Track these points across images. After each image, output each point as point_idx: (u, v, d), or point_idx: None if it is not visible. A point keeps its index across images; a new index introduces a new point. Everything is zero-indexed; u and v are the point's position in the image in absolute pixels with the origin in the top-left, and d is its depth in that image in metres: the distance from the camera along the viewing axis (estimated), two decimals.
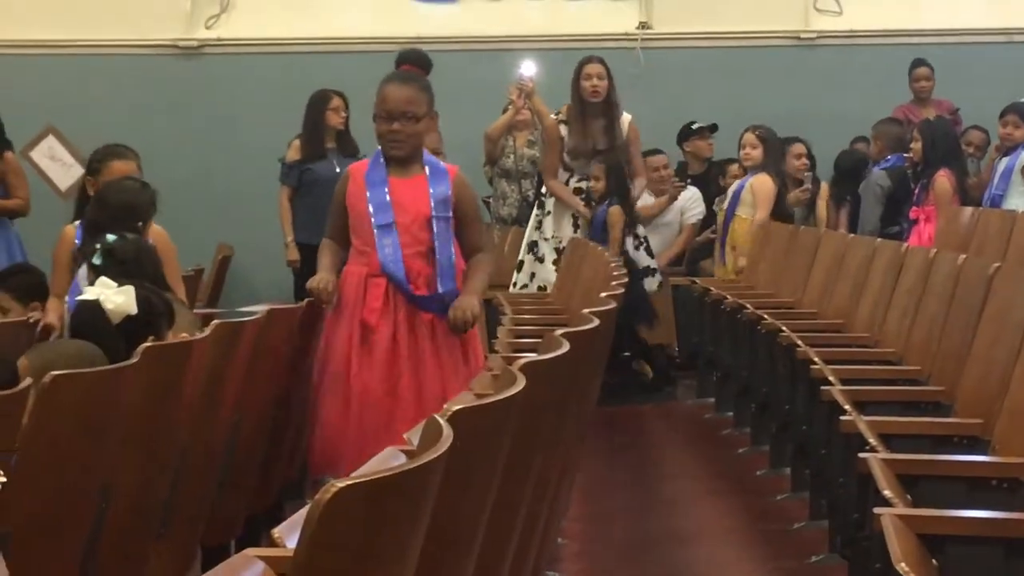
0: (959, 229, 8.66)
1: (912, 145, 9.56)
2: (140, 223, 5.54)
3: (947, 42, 11.74)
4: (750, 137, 9.70)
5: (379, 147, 5.82)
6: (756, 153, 9.65)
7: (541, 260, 9.37)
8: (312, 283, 5.68)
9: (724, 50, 12.02)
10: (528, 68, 10.11)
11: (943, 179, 9.30)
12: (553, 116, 9.36)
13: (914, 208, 9.54)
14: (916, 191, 9.54)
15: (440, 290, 5.60)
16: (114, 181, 5.93)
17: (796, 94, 11.69)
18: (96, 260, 5.10)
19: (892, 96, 11.26)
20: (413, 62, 6.04)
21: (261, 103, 11.45)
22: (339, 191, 5.89)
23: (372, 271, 5.65)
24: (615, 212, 9.23)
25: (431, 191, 5.65)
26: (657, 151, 10.73)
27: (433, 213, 5.62)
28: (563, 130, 9.30)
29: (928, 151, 9.39)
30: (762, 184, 9.56)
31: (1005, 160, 9.51)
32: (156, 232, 5.72)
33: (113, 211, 5.57)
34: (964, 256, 5.62)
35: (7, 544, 3.24)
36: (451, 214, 5.64)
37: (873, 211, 9.89)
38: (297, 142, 9.40)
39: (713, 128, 11.14)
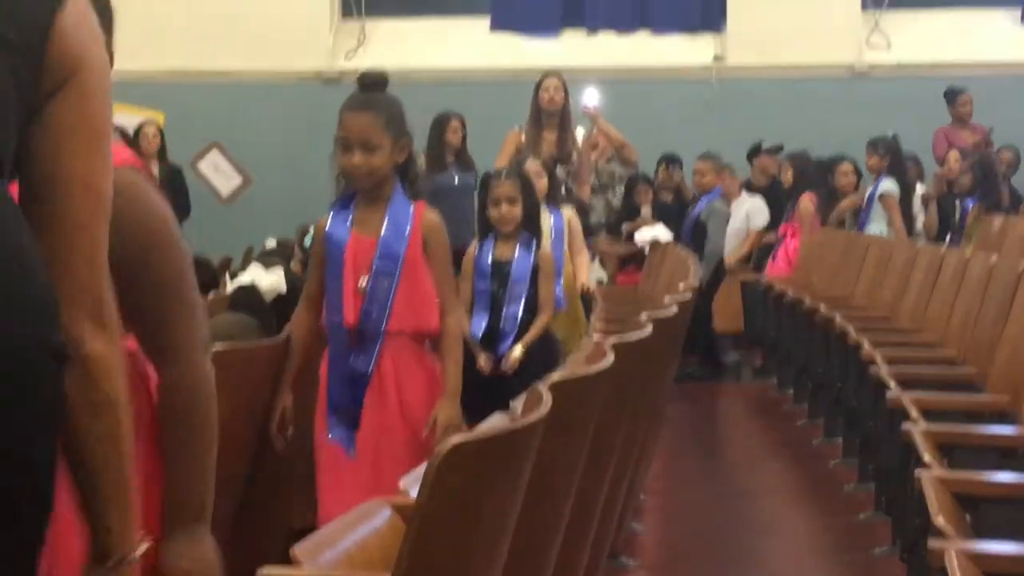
0: (990, 235, 8.59)
1: (782, 176, 9.87)
2: None
3: (982, 74, 11.56)
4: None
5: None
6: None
7: None
8: None
9: (788, 80, 11.92)
10: (591, 97, 10.05)
11: (807, 201, 9.59)
12: (516, 128, 8.50)
13: (782, 224, 9.80)
14: (786, 211, 9.86)
15: None
16: None
17: (849, 119, 11.55)
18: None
19: (933, 119, 11.12)
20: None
21: None
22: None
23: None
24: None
25: None
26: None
27: None
28: (522, 138, 8.41)
29: (797, 178, 9.70)
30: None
31: (870, 189, 9.75)
32: None
33: None
34: (996, 256, 5.55)
35: None
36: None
37: (723, 234, 10.01)
38: (422, 157, 9.43)
39: (779, 148, 11.05)
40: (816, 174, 9.85)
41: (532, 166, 6.55)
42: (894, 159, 9.70)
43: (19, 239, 1.66)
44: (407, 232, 3.88)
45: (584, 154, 8.70)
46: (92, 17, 1.77)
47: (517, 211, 5.13)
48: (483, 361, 5.00)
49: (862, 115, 11.57)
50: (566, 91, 8.38)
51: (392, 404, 3.84)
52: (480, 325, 5.09)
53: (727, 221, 10.07)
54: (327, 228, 3.95)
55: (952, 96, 11.04)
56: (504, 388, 4.36)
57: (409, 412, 3.85)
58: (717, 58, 12.14)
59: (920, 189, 10.69)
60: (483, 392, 4.49)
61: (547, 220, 6.52)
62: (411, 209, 3.93)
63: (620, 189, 10.60)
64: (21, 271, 1.64)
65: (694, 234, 9.91)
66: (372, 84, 4.06)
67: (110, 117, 1.79)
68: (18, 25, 1.69)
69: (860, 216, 9.76)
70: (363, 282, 3.84)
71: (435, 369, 3.90)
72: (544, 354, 5.05)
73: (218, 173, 12.17)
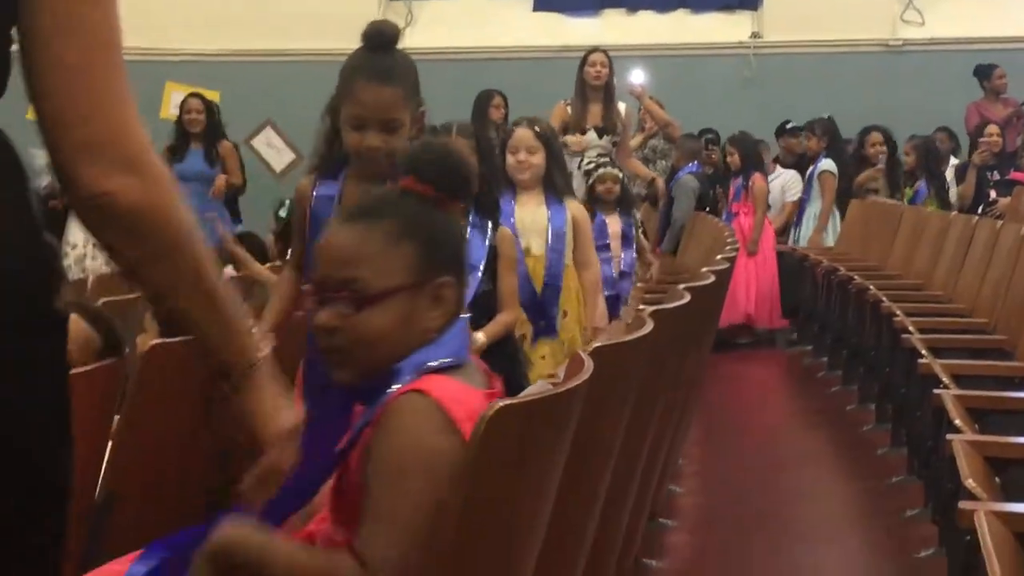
0: (1020, 206, 8.55)
1: (729, 159, 9.90)
2: None
3: (1014, 48, 11.46)
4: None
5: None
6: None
7: None
8: None
9: (824, 55, 11.85)
10: (637, 76, 10.04)
11: (760, 181, 9.69)
12: (563, 102, 8.31)
13: (734, 203, 9.81)
14: (733, 191, 9.83)
15: None
16: None
17: (884, 93, 11.48)
18: None
19: (966, 93, 11.03)
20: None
21: (438, 100, 11.48)
22: None
23: None
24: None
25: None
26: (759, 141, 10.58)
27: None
28: (568, 111, 8.23)
29: (744, 160, 9.76)
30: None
31: (810, 169, 9.98)
32: None
33: None
34: None
35: (112, 504, 2.76)
36: None
37: (689, 207, 9.95)
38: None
39: (802, 129, 11.07)
40: (757, 156, 9.95)
41: (524, 136, 4.82)
42: (832, 140, 9.97)
43: None
44: None
45: (626, 129, 8.67)
46: None
47: None
48: None
49: (897, 90, 11.50)
50: (611, 66, 8.34)
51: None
52: None
53: (694, 194, 10.09)
54: (313, 199, 3.17)
55: (987, 71, 10.95)
56: None
57: None
58: (754, 35, 12.08)
59: (953, 161, 10.63)
60: None
61: (541, 216, 4.76)
62: None
63: (662, 163, 10.59)
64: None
65: (667, 207, 10.09)
66: (387, 42, 3.12)
67: None
68: None
69: (803, 195, 10.01)
70: None
71: None
72: (499, 364, 3.25)
73: (271, 149, 12.24)
